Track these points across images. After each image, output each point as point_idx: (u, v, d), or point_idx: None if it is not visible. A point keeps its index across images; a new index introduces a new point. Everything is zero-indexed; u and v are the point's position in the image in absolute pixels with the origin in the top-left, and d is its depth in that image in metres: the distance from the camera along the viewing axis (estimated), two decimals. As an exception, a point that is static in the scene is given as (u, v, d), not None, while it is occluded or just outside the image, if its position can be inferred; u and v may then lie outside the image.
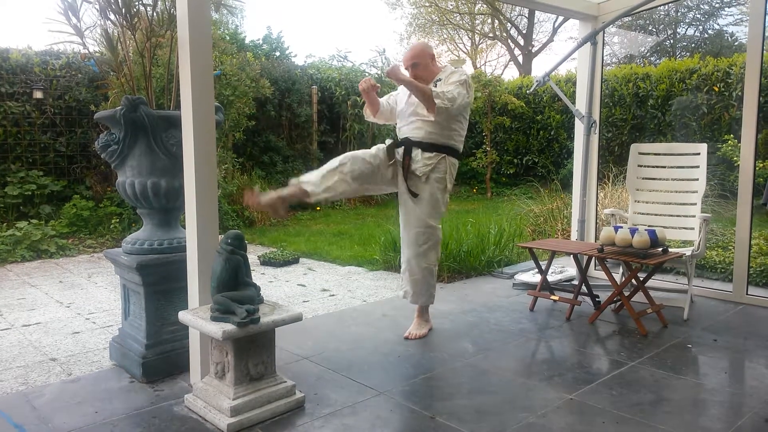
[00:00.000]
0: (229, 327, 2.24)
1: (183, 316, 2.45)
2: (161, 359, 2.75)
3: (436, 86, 3.22)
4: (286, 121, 9.88)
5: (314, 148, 10.09)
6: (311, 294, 4.52)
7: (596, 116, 4.58)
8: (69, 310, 4.09)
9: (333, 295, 4.46)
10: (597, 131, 4.58)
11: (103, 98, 7.31)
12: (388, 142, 3.37)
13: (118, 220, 6.90)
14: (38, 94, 7.35)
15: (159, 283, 2.80)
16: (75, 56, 7.63)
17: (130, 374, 2.79)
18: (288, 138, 9.90)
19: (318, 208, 9.24)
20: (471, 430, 2.24)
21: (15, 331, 3.61)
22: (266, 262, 5.63)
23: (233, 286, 2.40)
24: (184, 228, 2.80)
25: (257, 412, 2.31)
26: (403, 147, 3.32)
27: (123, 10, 2.91)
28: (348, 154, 3.28)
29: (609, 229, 3.59)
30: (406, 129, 3.35)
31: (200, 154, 2.52)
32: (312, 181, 3.19)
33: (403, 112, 3.41)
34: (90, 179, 7.68)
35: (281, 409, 2.38)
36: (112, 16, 2.96)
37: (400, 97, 3.48)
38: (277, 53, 11.45)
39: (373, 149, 3.35)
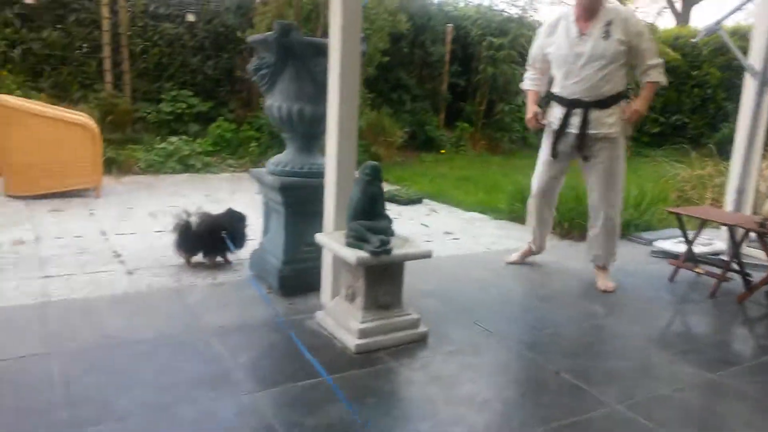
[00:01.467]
0: (363, 254, 2.29)
1: (320, 238, 2.54)
2: (295, 275, 2.90)
3: (608, 32, 2.95)
4: (418, 59, 9.72)
5: (444, 89, 9.89)
6: (434, 235, 4.52)
7: (776, 74, 4.01)
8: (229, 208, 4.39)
9: (456, 239, 4.43)
10: (774, 91, 4.03)
11: (248, 24, 7.58)
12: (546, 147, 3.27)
13: (256, 144, 7.28)
14: (190, 17, 7.78)
15: (298, 204, 2.91)
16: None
17: (267, 285, 2.97)
18: (418, 77, 9.77)
19: (443, 152, 9.15)
20: (599, 392, 2.16)
21: (168, 235, 3.96)
22: (390, 199, 5.68)
23: (368, 216, 2.43)
24: (323, 155, 2.87)
25: (383, 338, 2.38)
26: (571, 114, 3.10)
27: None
28: (531, 204, 3.49)
29: (776, 203, 3.19)
30: (577, 86, 3.05)
31: (345, 83, 2.53)
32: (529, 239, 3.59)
33: (566, 60, 3.04)
34: (233, 103, 8.12)
35: (405, 339, 2.43)
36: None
37: (559, 42, 3.08)
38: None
39: (543, 175, 3.35)
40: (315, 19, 6.28)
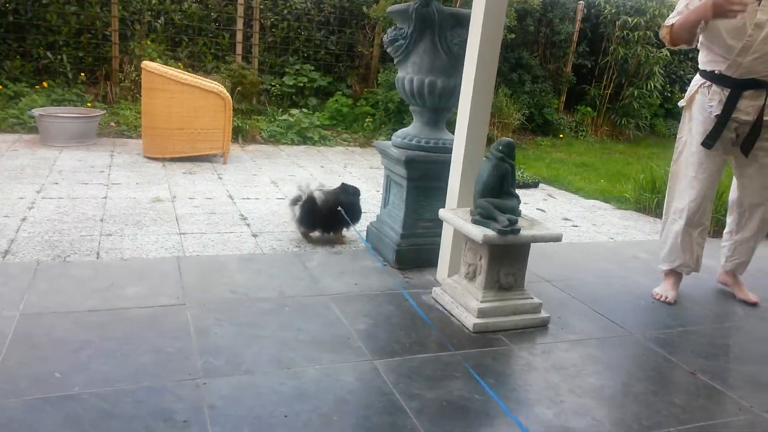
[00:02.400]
0: (490, 232, 2.23)
1: (444, 213, 2.51)
2: (413, 250, 2.90)
3: None
4: (543, 38, 9.31)
5: (568, 70, 9.42)
6: (552, 221, 4.34)
7: None
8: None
9: (576, 226, 4.24)
10: None
11: (374, 0, 7.63)
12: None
13: (371, 120, 7.36)
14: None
15: (421, 179, 2.90)
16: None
17: (383, 257, 3.00)
18: (542, 57, 9.37)
19: (561, 136, 8.76)
20: (740, 396, 1.97)
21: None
22: (506, 180, 5.54)
23: (497, 194, 2.36)
24: (450, 130, 2.82)
25: (502, 320, 2.32)
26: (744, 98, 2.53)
27: None
28: (691, 211, 2.71)
29: None
30: (757, 64, 2.45)
31: (483, 56, 2.46)
32: (681, 260, 2.81)
33: (741, 31, 2.42)
34: (351, 78, 8.25)
35: (525, 323, 2.36)
36: None
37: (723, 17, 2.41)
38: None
39: (705, 174, 2.66)
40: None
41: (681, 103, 2.81)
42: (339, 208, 3.16)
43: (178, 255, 2.89)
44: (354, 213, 3.26)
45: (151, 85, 4.92)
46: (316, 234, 3.31)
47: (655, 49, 8.85)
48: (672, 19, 2.64)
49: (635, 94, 8.90)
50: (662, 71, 9.30)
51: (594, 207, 4.91)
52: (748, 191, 2.79)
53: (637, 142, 8.89)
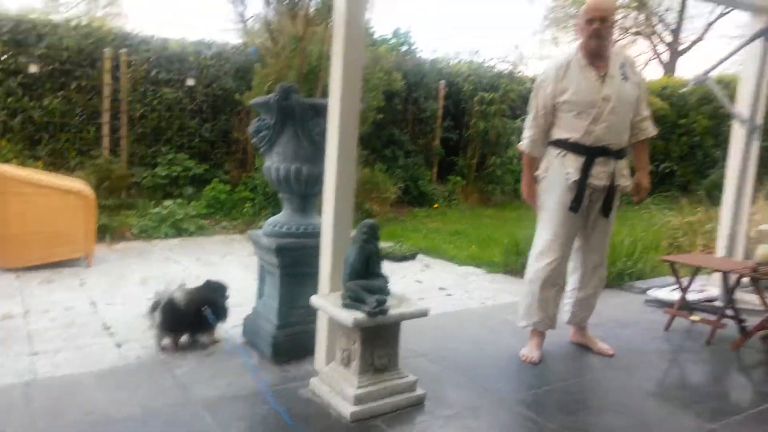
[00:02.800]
0: (360, 315, 2.28)
1: (315, 300, 2.54)
2: (290, 341, 2.87)
3: (625, 74, 2.79)
4: (411, 115, 9.94)
5: (436, 144, 10.07)
6: (428, 292, 4.50)
7: (760, 121, 4.12)
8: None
9: (450, 295, 4.42)
10: (759, 137, 4.13)
11: (246, 87, 7.78)
12: (568, 192, 2.82)
13: (250, 205, 7.32)
14: (190, 82, 7.98)
15: (293, 266, 2.91)
16: (224, 46, 8.16)
17: (260, 352, 2.93)
18: (411, 132, 9.96)
19: (436, 206, 9.22)
20: (600, 450, 2.12)
21: (161, 299, 3.94)
22: (384, 256, 5.65)
23: (364, 275, 2.43)
24: (319, 215, 2.90)
25: (379, 404, 2.34)
26: (596, 163, 2.79)
27: (285, 1, 3.02)
28: (552, 269, 2.90)
29: (766, 247, 3.22)
30: (605, 133, 2.75)
31: (343, 143, 2.58)
32: (541, 318, 2.98)
33: (592, 104, 2.73)
34: (228, 164, 8.23)
35: (402, 403, 2.39)
36: (273, 7, 3.09)
37: (578, 85, 2.75)
38: (405, 48, 11.55)
39: (566, 235, 2.88)
40: (314, 79, 6.43)
41: (537, 173, 2.98)
42: (204, 308, 2.98)
43: (27, 380, 2.62)
44: (220, 311, 3.07)
45: (3, 189, 4.59)
46: (184, 339, 3.06)
47: (510, 121, 9.73)
48: (524, 141, 2.96)
49: (498, 162, 9.67)
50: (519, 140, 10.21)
51: (467, 273, 5.17)
52: (590, 255, 3.02)
53: (504, 207, 9.57)
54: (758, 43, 4.01)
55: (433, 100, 9.94)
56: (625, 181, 2.87)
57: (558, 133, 2.87)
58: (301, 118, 2.85)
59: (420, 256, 5.84)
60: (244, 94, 7.28)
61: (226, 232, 6.71)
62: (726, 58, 4.18)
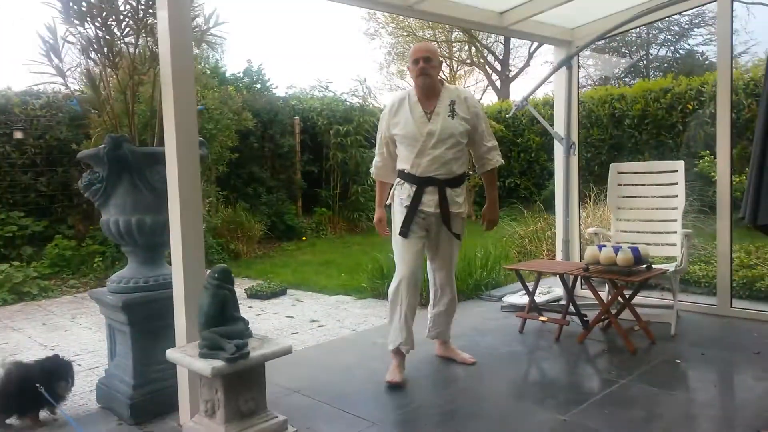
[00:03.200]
0: (218, 363, 2.21)
1: (171, 354, 2.42)
2: (149, 399, 2.71)
3: (453, 110, 2.98)
4: (269, 152, 9.91)
5: (298, 177, 10.11)
6: (300, 325, 4.48)
7: (575, 138, 4.66)
8: (53, 353, 4.00)
9: (322, 326, 4.43)
10: (576, 152, 4.66)
11: (84, 137, 7.27)
12: (397, 225, 3.06)
13: (101, 258, 6.82)
14: (18, 135, 7.30)
15: (145, 321, 2.77)
16: (56, 96, 7.61)
17: (118, 416, 2.73)
18: (271, 169, 9.92)
19: (304, 238, 9.22)
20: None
21: (-3, 377, 3.52)
22: (253, 295, 5.58)
23: (221, 322, 2.37)
24: (170, 264, 2.79)
25: (249, 450, 2.27)
26: (425, 193, 3.01)
27: (105, 49, 2.93)
28: (401, 288, 3.04)
29: (593, 248, 3.63)
30: (430, 165, 2.98)
31: (185, 190, 2.52)
32: (399, 339, 3.07)
33: (416, 139, 2.97)
34: (72, 218, 7.60)
35: (273, 445, 2.34)
36: (94, 56, 2.98)
37: (406, 122, 3.01)
38: (258, 85, 11.53)
39: (408, 255, 3.04)
40: (154, 126, 6.15)
41: (387, 201, 3.23)
42: (39, 386, 2.61)
43: None
44: (58, 389, 2.69)
45: None
46: (15, 421, 2.71)
47: (367, 150, 10.05)
48: (373, 168, 3.29)
49: (360, 191, 9.92)
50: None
51: (338, 302, 5.22)
52: (438, 273, 3.26)
53: (371, 232, 9.80)
54: (564, 71, 4.57)
55: (290, 135, 10.01)
56: (457, 208, 3.07)
57: (399, 164, 3.12)
58: (137, 167, 2.74)
59: (291, 291, 5.79)
60: (82, 144, 6.81)
61: (76, 292, 6.16)
62: (539, 85, 4.72)
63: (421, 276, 3.16)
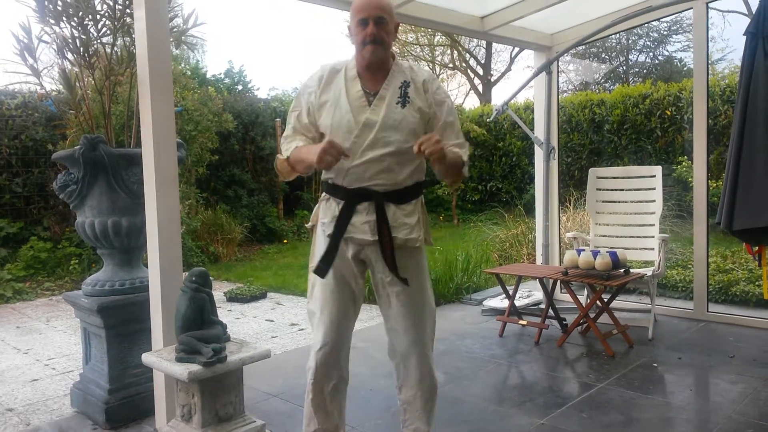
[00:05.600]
0: (195, 367, 2.18)
1: (146, 358, 2.38)
2: (125, 404, 2.66)
3: (406, 95, 2.00)
4: (250, 154, 9.85)
5: (279, 180, 10.06)
6: (280, 329, 4.45)
7: (554, 142, 4.71)
8: (27, 356, 3.93)
9: (302, 330, 4.40)
10: (556, 157, 4.70)
11: (61, 137, 7.15)
12: (318, 254, 2.06)
13: (77, 261, 6.71)
14: (-7, 134, 7.18)
15: (121, 325, 2.72)
16: (31, 95, 7.49)
17: (93, 421, 2.69)
18: (252, 171, 9.86)
19: (285, 241, 9.17)
20: (445, 461, 2.22)
21: (-32, 382, 3.45)
22: (233, 298, 5.53)
23: (198, 325, 2.34)
24: (147, 267, 2.75)
25: (226, 455, 2.24)
26: (361, 210, 2.00)
27: (81, 49, 2.89)
28: (308, 380, 2.16)
29: (572, 253, 3.66)
30: (363, 170, 1.97)
31: (162, 192, 2.49)
32: (321, 426, 2.21)
33: (348, 130, 1.97)
34: (48, 220, 7.46)
35: (251, 450, 2.31)
36: (69, 56, 2.93)
37: (336, 103, 2.00)
38: (240, 87, 11.47)
39: (328, 310, 2.08)
40: (131, 127, 6.08)
41: (308, 225, 2.23)
42: None
43: None
44: None
45: None
46: None
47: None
48: (287, 148, 2.07)
49: (342, 194, 9.89)
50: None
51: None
52: (397, 339, 2.11)
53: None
54: (544, 76, 4.61)
55: (271, 137, 9.95)
56: (406, 233, 2.01)
57: (324, 172, 2.08)
58: (113, 168, 2.70)
59: (271, 294, 5.76)
60: (58, 144, 6.71)
61: (51, 294, 6.06)
62: (519, 90, 4.75)
63: (347, 350, 2.15)
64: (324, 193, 2.11)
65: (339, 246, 2.03)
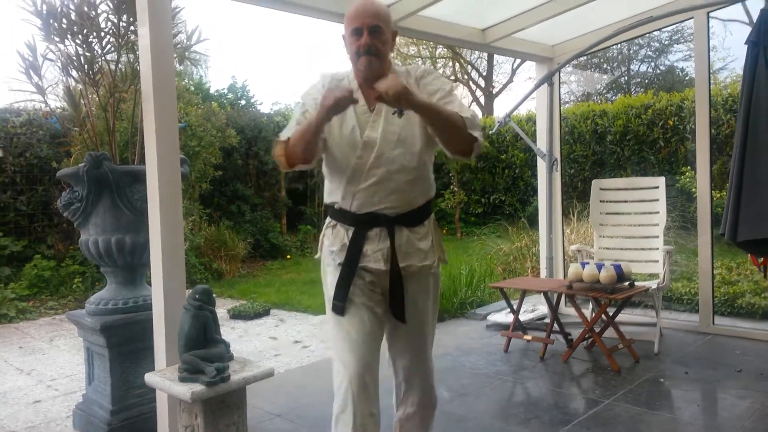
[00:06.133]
0: (198, 387, 2.17)
1: (149, 378, 2.37)
2: (128, 425, 2.65)
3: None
4: (254, 169, 9.87)
5: (283, 195, 10.07)
6: (283, 347, 4.43)
7: (557, 154, 4.70)
8: (29, 377, 3.91)
9: (306, 347, 4.38)
10: (558, 168, 4.70)
11: (65, 155, 7.19)
12: (331, 271, 1.96)
13: (80, 279, 6.71)
14: (-2, 153, 7.22)
15: (124, 344, 2.71)
16: (36, 113, 7.54)
17: (95, 443, 2.66)
18: (256, 186, 9.87)
19: (288, 257, 9.15)
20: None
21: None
22: (236, 315, 5.51)
23: (202, 344, 2.33)
24: (151, 285, 2.74)
25: (229, 477, 2.22)
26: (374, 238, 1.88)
27: (85, 66, 2.91)
28: (347, 403, 2.01)
29: (576, 266, 3.64)
30: (372, 194, 1.85)
31: (166, 209, 2.49)
32: None
33: (352, 149, 1.85)
34: (52, 238, 7.48)
35: (255, 471, 2.29)
36: (74, 73, 2.95)
37: (342, 120, 1.85)
38: (243, 102, 11.52)
39: (353, 343, 1.94)
40: (135, 144, 6.12)
41: (316, 256, 2.09)
42: None
43: None
44: None
45: None
46: None
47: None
48: (288, 131, 1.90)
49: (345, 208, 9.89)
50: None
51: (322, 322, 5.16)
52: (400, 359, 2.06)
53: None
54: (545, 87, 4.62)
55: (275, 152, 9.97)
56: (421, 260, 1.91)
57: (327, 195, 2.00)
58: (117, 186, 2.71)
59: (274, 311, 5.73)
60: (62, 162, 6.75)
61: (54, 313, 6.05)
62: (521, 102, 4.76)
63: (377, 375, 1.97)
64: (329, 219, 1.99)
65: (353, 280, 1.89)
